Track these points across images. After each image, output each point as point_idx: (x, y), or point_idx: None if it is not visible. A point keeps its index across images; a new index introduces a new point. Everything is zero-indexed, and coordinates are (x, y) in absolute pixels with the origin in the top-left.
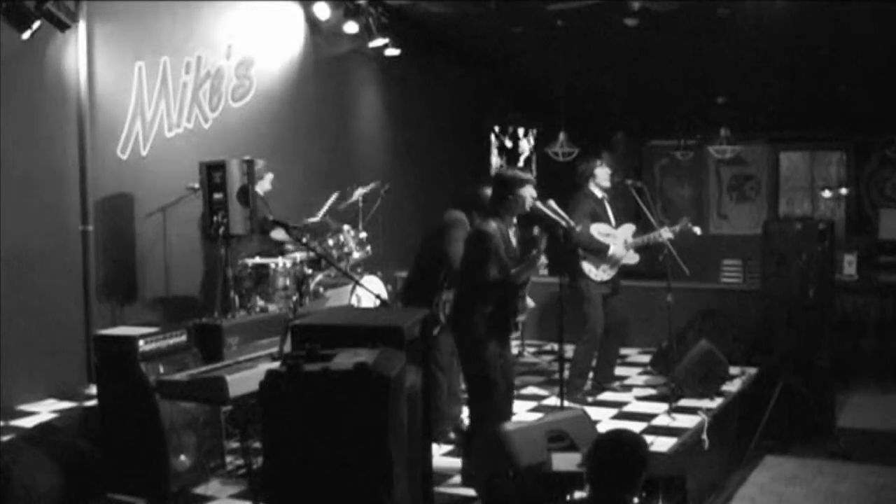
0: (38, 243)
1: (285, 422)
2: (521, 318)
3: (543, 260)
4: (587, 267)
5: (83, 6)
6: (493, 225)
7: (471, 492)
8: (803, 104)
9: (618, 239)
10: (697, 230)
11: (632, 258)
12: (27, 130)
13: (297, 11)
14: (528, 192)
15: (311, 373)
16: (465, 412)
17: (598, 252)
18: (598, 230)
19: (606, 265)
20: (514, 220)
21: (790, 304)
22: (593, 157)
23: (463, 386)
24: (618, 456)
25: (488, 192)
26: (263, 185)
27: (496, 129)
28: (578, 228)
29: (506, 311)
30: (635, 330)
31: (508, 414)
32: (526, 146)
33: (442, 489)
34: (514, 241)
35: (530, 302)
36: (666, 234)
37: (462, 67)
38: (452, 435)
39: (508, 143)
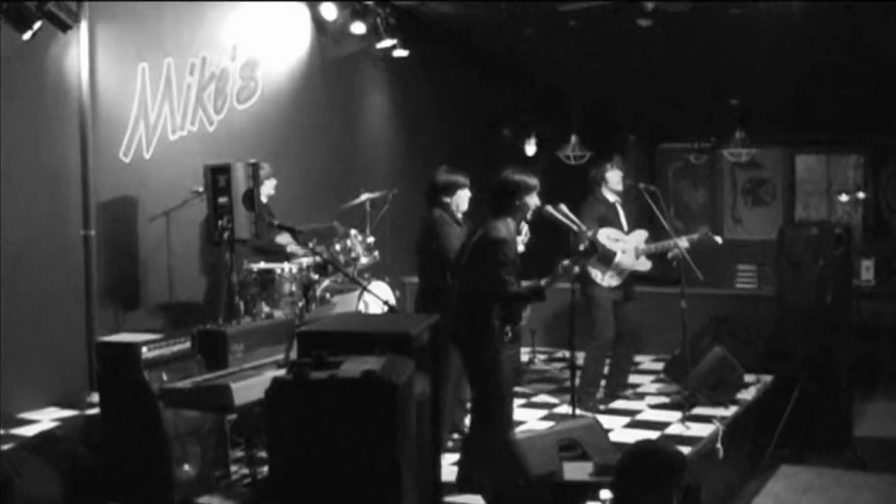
0: (39, 248)
1: (291, 431)
2: (521, 323)
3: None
4: (593, 272)
5: (85, 6)
6: (504, 230)
7: (478, 501)
8: (819, 106)
9: (628, 245)
10: (719, 239)
11: (643, 265)
12: (28, 133)
13: (304, 12)
14: (534, 201)
15: (317, 380)
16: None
17: (603, 258)
18: (606, 235)
19: (612, 272)
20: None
21: (806, 310)
22: (604, 161)
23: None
24: (652, 470)
25: (443, 176)
26: (266, 190)
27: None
28: (589, 234)
29: (507, 320)
30: (648, 337)
31: (511, 421)
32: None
33: (450, 499)
34: (520, 245)
35: (528, 310)
36: (682, 243)
37: (472, 69)
38: (452, 441)
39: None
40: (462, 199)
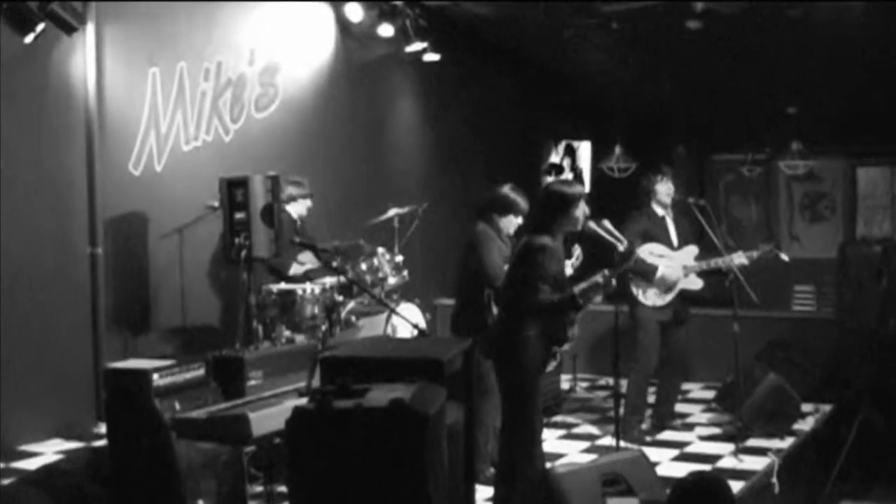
0: (43, 267)
1: (314, 464)
2: (566, 346)
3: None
4: (634, 290)
5: (91, 7)
6: (544, 239)
7: None
8: (883, 114)
9: (674, 261)
10: (785, 256)
11: (694, 283)
12: (30, 144)
13: (327, 13)
14: (582, 210)
15: (342, 410)
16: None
17: (644, 274)
18: (649, 251)
19: (656, 289)
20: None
21: (868, 334)
22: (654, 173)
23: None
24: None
25: (507, 192)
26: (298, 209)
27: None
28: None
29: (549, 338)
30: (698, 363)
31: (541, 452)
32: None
33: None
34: (565, 262)
35: (577, 329)
36: (739, 259)
37: (508, 74)
38: (491, 472)
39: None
40: (513, 224)
